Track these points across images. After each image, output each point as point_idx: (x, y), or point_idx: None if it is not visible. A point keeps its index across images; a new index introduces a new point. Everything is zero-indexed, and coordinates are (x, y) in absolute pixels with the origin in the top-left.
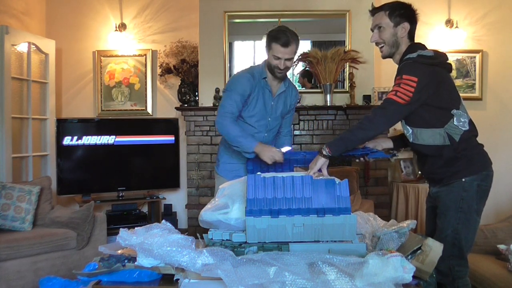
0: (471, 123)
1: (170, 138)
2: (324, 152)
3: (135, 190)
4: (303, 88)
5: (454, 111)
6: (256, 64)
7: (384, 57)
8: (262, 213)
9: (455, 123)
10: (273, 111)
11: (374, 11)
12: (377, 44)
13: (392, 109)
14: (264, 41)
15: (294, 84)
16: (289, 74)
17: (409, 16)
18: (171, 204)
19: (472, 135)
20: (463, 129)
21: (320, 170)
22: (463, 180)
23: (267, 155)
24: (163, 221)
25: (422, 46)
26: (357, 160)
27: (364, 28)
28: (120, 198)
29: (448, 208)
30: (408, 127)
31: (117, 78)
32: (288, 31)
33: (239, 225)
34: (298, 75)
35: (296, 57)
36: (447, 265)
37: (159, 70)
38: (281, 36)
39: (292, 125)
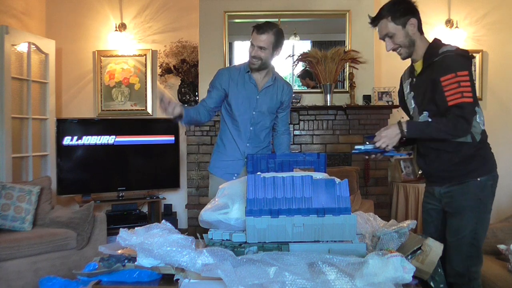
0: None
1: (170, 138)
2: (403, 128)
3: (135, 190)
4: (304, 88)
5: (477, 108)
6: None
7: (404, 58)
8: (262, 213)
9: (477, 120)
10: (258, 105)
11: (375, 22)
12: (393, 50)
13: (469, 112)
14: None
15: (289, 82)
16: (289, 74)
17: (410, 9)
18: (171, 204)
19: (486, 135)
20: (482, 127)
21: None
22: (479, 179)
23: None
24: (163, 221)
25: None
26: (372, 156)
27: (364, 28)
28: (120, 198)
29: (465, 208)
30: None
31: (117, 78)
32: (271, 23)
33: (239, 225)
34: (300, 78)
35: (296, 57)
36: (465, 265)
37: (159, 70)
38: (260, 25)
39: (292, 125)
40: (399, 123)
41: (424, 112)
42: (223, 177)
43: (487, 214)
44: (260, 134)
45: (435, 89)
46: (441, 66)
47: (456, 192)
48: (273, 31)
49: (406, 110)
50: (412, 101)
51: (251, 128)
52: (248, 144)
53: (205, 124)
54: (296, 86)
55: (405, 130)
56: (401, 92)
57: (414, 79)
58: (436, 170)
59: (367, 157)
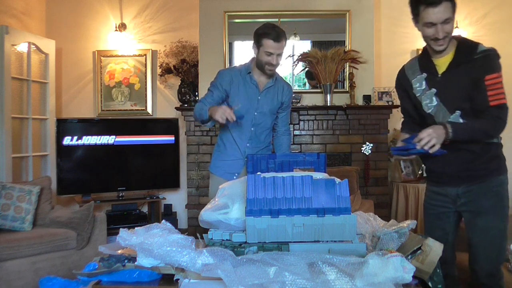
0: None
1: (170, 138)
2: (449, 130)
3: (135, 190)
4: (304, 88)
5: None
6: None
7: (443, 50)
8: (262, 213)
9: None
10: (260, 106)
11: (440, 1)
12: (437, 39)
13: (506, 113)
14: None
15: (288, 82)
16: (289, 74)
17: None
18: (171, 204)
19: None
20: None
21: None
22: (500, 177)
23: (218, 113)
24: (163, 221)
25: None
26: (412, 157)
27: (364, 28)
28: (120, 198)
29: (489, 207)
30: (462, 120)
31: (117, 78)
32: (276, 26)
33: (239, 225)
34: (306, 79)
35: (296, 57)
36: (496, 264)
37: (159, 70)
38: (271, 32)
39: (292, 125)
40: (444, 124)
41: (457, 111)
42: (224, 177)
43: (508, 210)
44: (261, 135)
45: (475, 87)
46: (484, 65)
47: (477, 191)
48: (284, 35)
49: (410, 109)
50: (434, 99)
51: (252, 129)
52: (248, 144)
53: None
54: (296, 86)
55: (451, 132)
56: (404, 90)
57: (439, 76)
58: (455, 171)
59: (405, 158)
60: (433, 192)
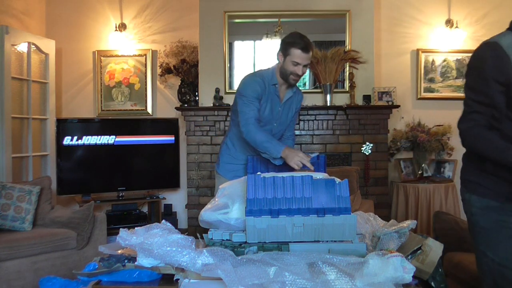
0: None
1: (170, 138)
2: None
3: (135, 190)
4: (304, 88)
5: None
6: (255, 64)
7: None
8: (262, 213)
9: None
10: (280, 117)
11: None
12: None
13: None
14: (264, 41)
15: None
16: None
17: None
18: (171, 204)
19: None
20: None
21: None
22: None
23: (294, 160)
24: (163, 221)
25: None
26: None
27: (364, 28)
28: (120, 198)
29: None
30: None
31: (117, 78)
32: (305, 37)
33: (239, 225)
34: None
35: None
36: None
37: (159, 70)
38: (300, 41)
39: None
40: None
41: None
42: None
43: None
44: None
45: None
46: None
47: None
48: (312, 46)
49: (500, 102)
50: None
51: None
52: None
53: (205, 124)
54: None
55: None
56: (501, 73)
57: None
58: None
59: None
60: None
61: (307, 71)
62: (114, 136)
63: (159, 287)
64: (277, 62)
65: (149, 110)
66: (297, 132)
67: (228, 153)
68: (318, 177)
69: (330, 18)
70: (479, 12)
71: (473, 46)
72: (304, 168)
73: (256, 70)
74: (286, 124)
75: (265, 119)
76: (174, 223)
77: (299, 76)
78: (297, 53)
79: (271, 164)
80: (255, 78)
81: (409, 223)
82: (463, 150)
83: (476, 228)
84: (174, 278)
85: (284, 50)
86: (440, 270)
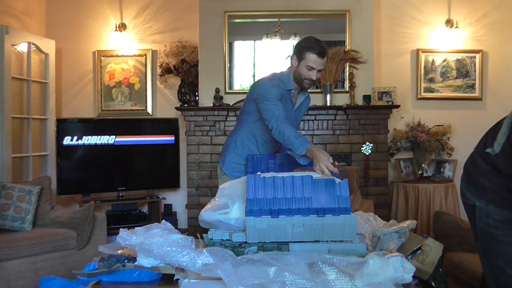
0: None
1: (170, 138)
2: None
3: (135, 190)
4: None
5: None
6: (256, 65)
7: None
8: (262, 213)
9: None
10: (292, 121)
11: None
12: None
13: None
14: (264, 41)
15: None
16: None
17: None
18: (171, 204)
19: None
20: None
21: None
22: None
23: (323, 163)
24: (163, 221)
25: None
26: None
27: (364, 28)
28: (120, 198)
29: None
30: None
31: (117, 78)
32: (321, 42)
33: (239, 225)
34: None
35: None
36: None
37: (159, 70)
38: (316, 46)
39: None
40: None
41: None
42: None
43: None
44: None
45: None
46: None
47: None
48: (327, 51)
49: None
50: None
51: (278, 144)
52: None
53: (205, 124)
54: None
55: None
56: None
57: None
58: None
59: None
60: None
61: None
62: (114, 136)
63: (159, 287)
64: (289, 65)
65: (149, 110)
66: None
67: (236, 152)
68: (318, 177)
69: (330, 18)
70: (479, 12)
71: (473, 46)
72: (298, 167)
73: (256, 70)
74: (296, 127)
75: None
76: (174, 223)
77: (313, 81)
78: (312, 58)
79: (271, 162)
80: (275, 82)
81: (409, 223)
82: (463, 150)
83: (494, 241)
84: (174, 278)
85: (299, 54)
86: (440, 270)
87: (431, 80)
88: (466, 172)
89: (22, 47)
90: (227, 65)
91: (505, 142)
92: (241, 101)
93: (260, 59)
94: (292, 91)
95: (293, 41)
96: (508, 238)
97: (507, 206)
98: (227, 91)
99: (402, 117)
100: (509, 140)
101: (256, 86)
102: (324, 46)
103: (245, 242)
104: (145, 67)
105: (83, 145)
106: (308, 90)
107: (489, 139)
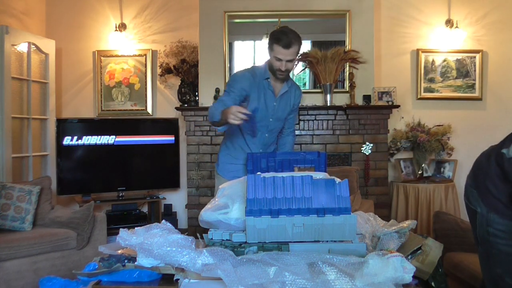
0: None
1: (170, 138)
2: None
3: (135, 190)
4: (304, 88)
5: None
6: (255, 64)
7: None
8: (262, 213)
9: None
10: (275, 112)
11: None
12: None
13: None
14: (264, 41)
15: (298, 84)
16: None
17: None
18: (171, 204)
19: None
20: None
21: None
22: None
23: (230, 117)
24: (163, 221)
25: None
26: None
27: (364, 28)
28: (120, 198)
29: None
30: None
31: (117, 78)
32: (290, 32)
33: (239, 225)
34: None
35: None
36: None
37: (159, 70)
38: (282, 38)
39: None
40: None
41: None
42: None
43: None
44: (274, 140)
45: None
46: None
47: None
48: (298, 42)
49: None
50: None
51: (266, 135)
52: (261, 150)
53: (205, 124)
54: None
55: None
56: None
57: None
58: None
59: None
60: None
61: (307, 71)
62: (114, 136)
63: (159, 287)
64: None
65: (149, 110)
66: (297, 132)
67: (228, 153)
68: (318, 177)
69: (330, 18)
70: (479, 12)
71: (473, 46)
72: (297, 165)
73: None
74: (282, 120)
75: (260, 115)
76: (174, 223)
77: (283, 72)
78: (278, 49)
79: (271, 160)
80: (245, 73)
81: (409, 223)
82: (463, 150)
83: (494, 250)
84: (174, 278)
85: (269, 45)
86: (440, 270)
87: (431, 80)
88: (473, 172)
89: (22, 47)
90: (227, 65)
91: None
92: None
93: (260, 59)
94: (269, 79)
95: None
96: (509, 248)
97: (510, 216)
98: None
99: (402, 117)
100: None
101: (230, 77)
102: (293, 36)
103: (245, 242)
104: (145, 67)
105: (83, 145)
106: (310, 90)
107: (509, 138)
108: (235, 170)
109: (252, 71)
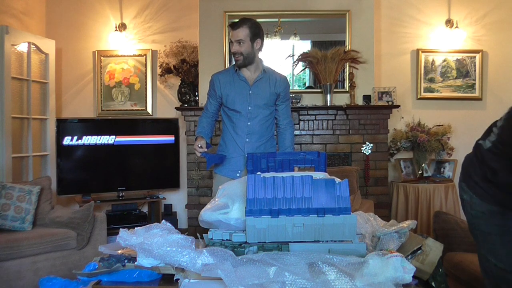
0: None
1: (170, 138)
2: None
3: (135, 190)
4: (304, 88)
5: None
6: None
7: None
8: (262, 213)
9: None
10: (253, 100)
11: None
12: None
13: None
14: (264, 41)
15: (283, 75)
16: (290, 74)
17: None
18: (171, 204)
19: None
20: None
21: None
22: None
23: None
24: (163, 221)
25: None
26: None
27: (364, 28)
28: (120, 198)
29: None
30: None
31: (117, 78)
32: (245, 18)
33: (239, 225)
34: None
35: (296, 57)
36: None
37: (159, 70)
38: (234, 22)
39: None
40: None
41: None
42: (228, 175)
43: None
44: (260, 128)
45: None
46: None
47: None
48: (247, 25)
49: None
50: None
51: (248, 123)
52: (247, 140)
53: None
54: (296, 86)
55: None
56: None
57: None
58: None
59: None
60: None
61: (307, 71)
62: (114, 136)
63: (159, 287)
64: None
65: (149, 110)
66: (297, 132)
67: (221, 150)
68: (318, 177)
69: (330, 18)
70: (479, 12)
71: (473, 46)
72: (297, 165)
73: None
74: (264, 107)
75: (237, 105)
76: (174, 223)
77: (235, 54)
78: (230, 33)
79: (271, 160)
80: (215, 75)
81: (409, 223)
82: (463, 150)
83: (478, 231)
84: (174, 278)
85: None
86: (440, 270)
87: (431, 80)
88: (462, 167)
89: (22, 47)
90: (227, 65)
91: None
92: None
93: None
94: (237, 70)
95: (293, 41)
96: (489, 227)
97: (487, 199)
98: None
99: (402, 117)
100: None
101: None
102: (242, 20)
103: (245, 242)
104: (145, 67)
105: (83, 145)
106: (310, 90)
107: (487, 131)
108: (227, 164)
109: (220, 72)
